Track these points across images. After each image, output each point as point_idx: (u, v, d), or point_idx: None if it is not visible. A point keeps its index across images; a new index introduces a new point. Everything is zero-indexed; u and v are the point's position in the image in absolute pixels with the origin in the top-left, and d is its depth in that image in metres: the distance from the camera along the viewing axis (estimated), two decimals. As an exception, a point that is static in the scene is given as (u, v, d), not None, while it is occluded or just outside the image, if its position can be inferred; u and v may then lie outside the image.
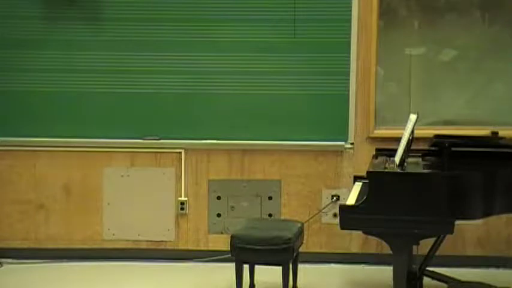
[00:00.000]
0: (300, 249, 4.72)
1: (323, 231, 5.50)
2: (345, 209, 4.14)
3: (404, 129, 4.46)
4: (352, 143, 5.41)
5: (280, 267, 4.46)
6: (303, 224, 4.86)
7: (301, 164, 5.46)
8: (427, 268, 4.71)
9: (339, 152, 5.44)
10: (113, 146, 5.49)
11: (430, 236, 4.28)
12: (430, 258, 4.67)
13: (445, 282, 4.78)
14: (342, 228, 4.20)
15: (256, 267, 4.73)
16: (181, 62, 5.39)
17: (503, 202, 4.14)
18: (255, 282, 4.78)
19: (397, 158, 4.36)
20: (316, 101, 5.37)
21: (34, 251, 5.54)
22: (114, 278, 5.21)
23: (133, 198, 5.54)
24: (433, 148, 4.72)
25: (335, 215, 5.38)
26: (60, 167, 5.53)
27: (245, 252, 4.50)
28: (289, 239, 4.47)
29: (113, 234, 5.57)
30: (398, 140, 4.50)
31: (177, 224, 5.56)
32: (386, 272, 4.57)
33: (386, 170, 4.32)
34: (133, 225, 5.55)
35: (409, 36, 5.44)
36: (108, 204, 5.55)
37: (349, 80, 5.36)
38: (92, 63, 5.42)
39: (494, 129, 5.04)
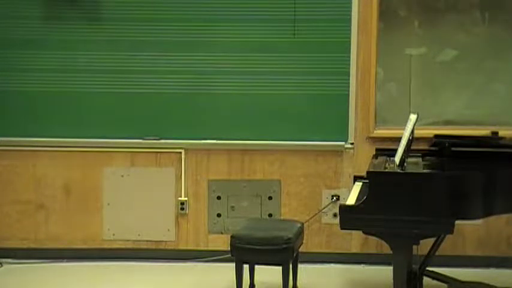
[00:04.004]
0: (300, 249, 4.72)
1: (323, 231, 5.50)
2: (345, 209, 4.13)
3: (404, 129, 4.45)
4: (352, 143, 5.41)
5: (280, 267, 4.46)
6: (303, 224, 4.86)
7: (301, 164, 5.46)
8: (427, 268, 4.70)
9: (339, 152, 5.44)
10: (113, 146, 5.49)
11: (430, 236, 4.27)
12: (430, 258, 4.67)
13: (445, 282, 4.78)
14: (342, 228, 4.19)
15: (256, 267, 4.74)
16: (181, 62, 5.39)
17: (503, 202, 4.13)
18: (255, 282, 4.78)
19: (397, 158, 4.36)
20: (316, 101, 5.37)
21: (34, 251, 5.54)
22: (114, 278, 5.21)
23: (133, 198, 5.54)
24: (433, 148, 4.72)
25: (335, 215, 5.38)
26: (60, 167, 5.53)
27: (245, 252, 4.50)
28: (289, 239, 4.47)
29: (113, 234, 5.57)
30: (398, 140, 4.50)
31: (177, 224, 5.56)
32: (386, 272, 4.57)
33: (386, 170, 4.32)
34: (133, 225, 5.55)
35: (409, 36, 5.44)
36: (108, 204, 5.55)
37: (349, 80, 5.36)
38: (92, 63, 5.42)
39: (494, 129, 5.03)
